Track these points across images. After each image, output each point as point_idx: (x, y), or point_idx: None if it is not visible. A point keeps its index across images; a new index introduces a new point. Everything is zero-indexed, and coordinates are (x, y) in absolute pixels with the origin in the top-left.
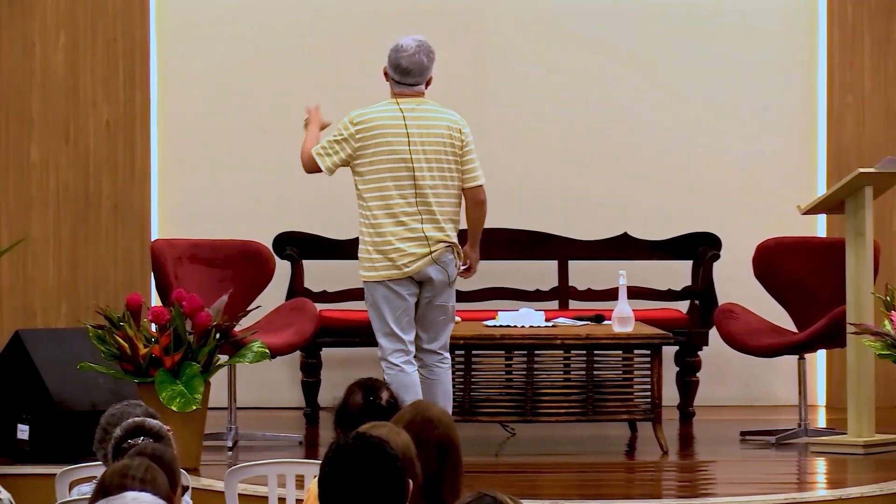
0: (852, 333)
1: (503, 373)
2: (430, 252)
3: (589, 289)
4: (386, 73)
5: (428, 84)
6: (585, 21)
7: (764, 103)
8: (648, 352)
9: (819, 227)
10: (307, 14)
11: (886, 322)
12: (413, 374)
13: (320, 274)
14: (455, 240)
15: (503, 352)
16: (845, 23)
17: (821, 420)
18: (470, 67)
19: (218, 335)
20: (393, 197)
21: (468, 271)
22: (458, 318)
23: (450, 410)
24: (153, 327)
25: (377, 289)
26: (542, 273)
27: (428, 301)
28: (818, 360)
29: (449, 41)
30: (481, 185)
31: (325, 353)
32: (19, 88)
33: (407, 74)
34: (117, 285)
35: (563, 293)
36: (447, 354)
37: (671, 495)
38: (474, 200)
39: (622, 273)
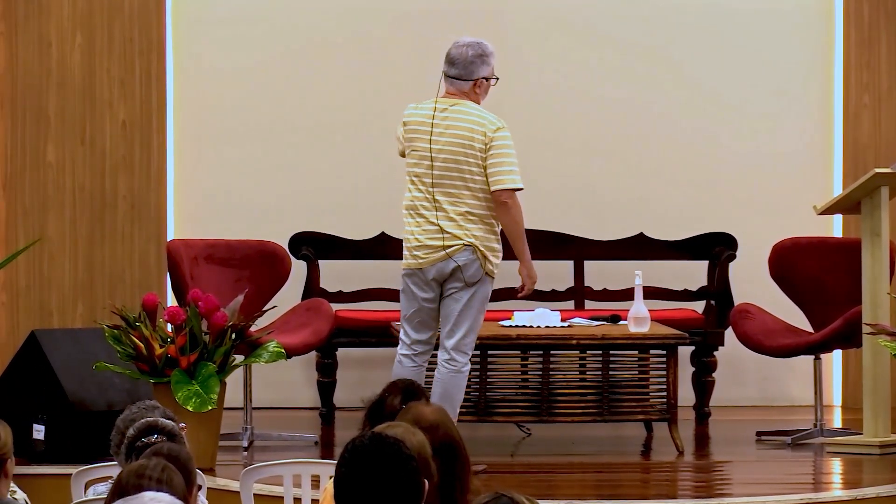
0: (868, 334)
1: (519, 373)
2: (445, 247)
3: (605, 289)
4: None
5: (477, 86)
6: (603, 20)
7: (780, 103)
8: (664, 352)
9: (835, 227)
10: (323, 13)
11: None
12: (407, 367)
13: (336, 274)
14: (478, 242)
15: (519, 352)
16: (862, 22)
17: (836, 420)
18: None
19: (234, 335)
20: (416, 193)
21: (521, 290)
22: None
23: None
24: (169, 327)
25: (403, 279)
26: (558, 273)
27: (449, 296)
28: (834, 360)
29: None
30: (505, 189)
31: (341, 353)
32: (36, 88)
33: (451, 64)
34: (133, 285)
35: (578, 293)
36: (459, 357)
37: (687, 495)
38: (496, 203)
39: (638, 273)
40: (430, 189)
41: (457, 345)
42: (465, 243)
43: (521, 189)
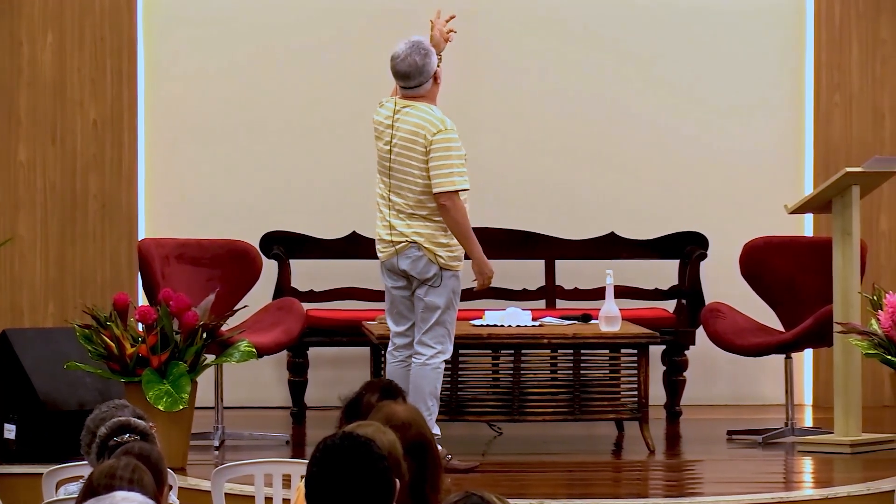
0: (839, 333)
1: (490, 372)
2: (394, 243)
3: (576, 288)
4: None
5: (436, 79)
6: (575, 18)
7: (752, 103)
8: (635, 351)
9: (806, 226)
10: (296, 13)
11: (873, 321)
12: (389, 361)
13: (307, 273)
14: (423, 240)
15: (490, 351)
16: (833, 23)
17: (808, 419)
18: (459, 64)
19: (205, 335)
20: (378, 189)
21: (479, 284)
22: None
23: (423, 410)
24: (140, 327)
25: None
26: (529, 272)
27: (414, 293)
28: (805, 359)
29: None
30: (443, 192)
31: (313, 352)
32: (6, 87)
33: (407, 78)
34: (104, 285)
35: (550, 292)
36: (423, 351)
37: (658, 494)
38: (437, 205)
39: (609, 272)
40: (388, 188)
41: (421, 338)
42: (410, 241)
43: (463, 189)
